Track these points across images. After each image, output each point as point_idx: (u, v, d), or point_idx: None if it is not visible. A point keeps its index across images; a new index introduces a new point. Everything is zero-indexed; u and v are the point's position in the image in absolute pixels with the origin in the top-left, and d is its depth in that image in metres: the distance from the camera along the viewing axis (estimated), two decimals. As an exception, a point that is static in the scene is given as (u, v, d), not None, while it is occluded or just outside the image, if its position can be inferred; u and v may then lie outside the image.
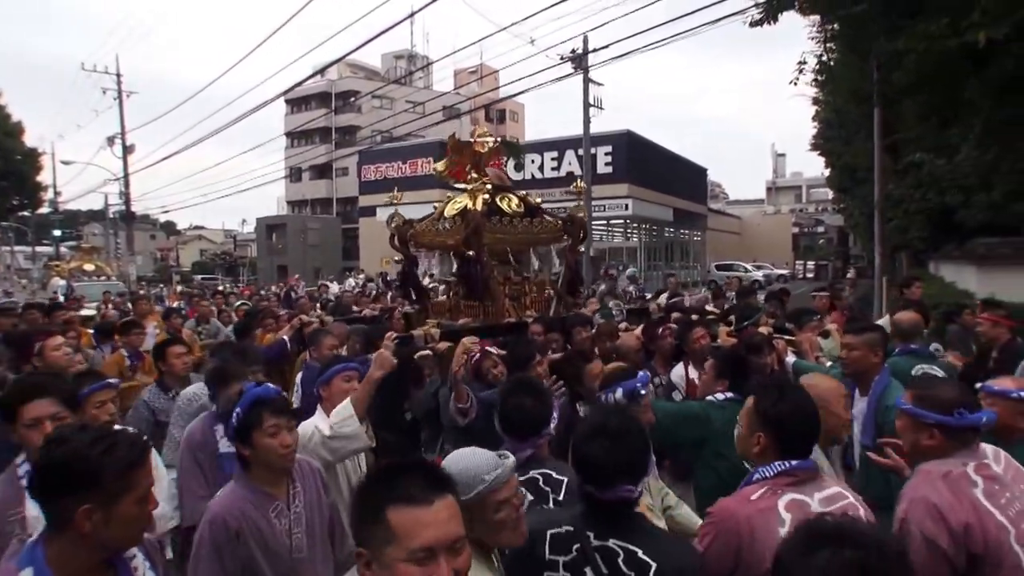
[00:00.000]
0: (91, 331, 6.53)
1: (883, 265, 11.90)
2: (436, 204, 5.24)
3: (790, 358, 3.62)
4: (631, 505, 1.57)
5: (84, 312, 9.24)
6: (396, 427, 3.53)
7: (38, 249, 40.25)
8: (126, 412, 3.85)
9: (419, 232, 4.95)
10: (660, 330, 4.12)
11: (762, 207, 56.25)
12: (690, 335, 3.82)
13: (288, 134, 41.95)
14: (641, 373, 2.53)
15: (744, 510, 1.60)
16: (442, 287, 5.45)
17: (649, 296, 9.92)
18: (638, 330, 4.31)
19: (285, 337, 4.95)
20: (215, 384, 2.78)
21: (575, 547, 1.52)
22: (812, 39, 9.61)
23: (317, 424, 2.40)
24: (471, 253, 4.51)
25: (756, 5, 7.60)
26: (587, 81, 16.73)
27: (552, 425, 2.06)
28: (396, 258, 5.15)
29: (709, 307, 6.35)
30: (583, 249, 5.53)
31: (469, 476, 1.41)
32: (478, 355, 3.30)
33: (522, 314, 4.77)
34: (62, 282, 17.09)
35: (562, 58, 15.66)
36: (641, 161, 26.13)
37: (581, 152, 19.69)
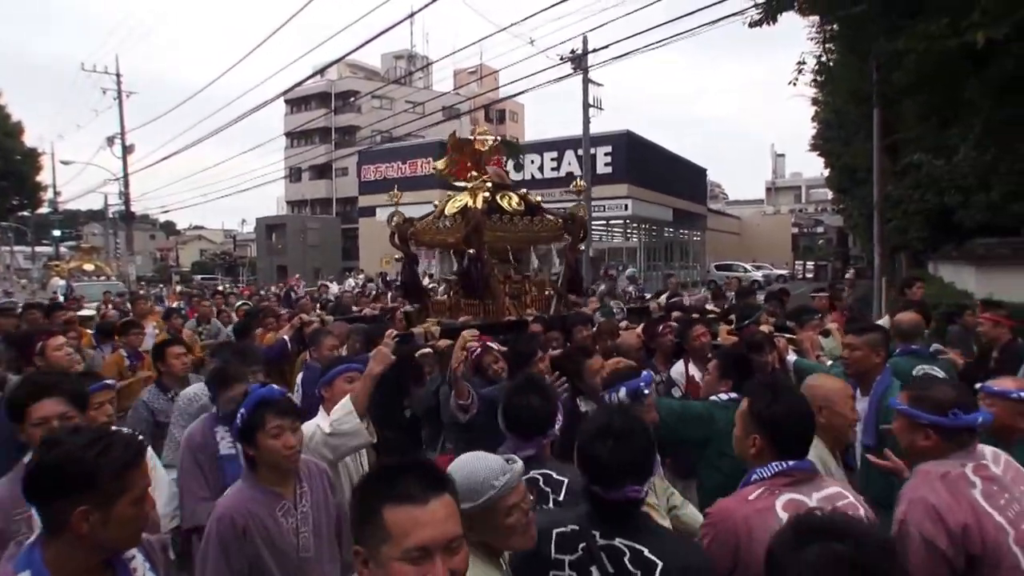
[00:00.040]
0: (91, 331, 6.54)
1: (882, 266, 11.91)
2: (436, 203, 5.24)
3: (791, 356, 3.62)
4: (637, 505, 1.57)
5: (83, 312, 9.25)
6: (396, 424, 3.54)
7: (38, 249, 40.22)
8: (125, 412, 3.85)
9: (419, 230, 4.95)
10: (661, 328, 4.12)
11: (762, 207, 56.26)
12: (690, 333, 3.83)
13: (288, 134, 41.94)
14: (645, 372, 2.53)
15: (742, 510, 1.61)
16: (441, 287, 5.44)
17: (648, 296, 9.93)
18: (639, 328, 4.32)
19: (285, 337, 4.95)
20: (216, 386, 2.78)
21: (581, 546, 1.52)
22: (811, 39, 9.65)
23: (319, 424, 2.41)
24: (471, 251, 4.52)
25: (755, 6, 7.60)
26: (587, 81, 16.74)
27: (557, 426, 2.06)
28: (397, 256, 5.15)
29: (709, 307, 6.35)
30: (583, 248, 5.53)
31: (477, 482, 1.40)
32: (479, 350, 3.31)
33: (522, 313, 4.78)
34: (62, 282, 17.09)
35: (562, 58, 15.67)
36: (641, 161, 26.14)
37: (581, 152, 19.69)
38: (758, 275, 27.85)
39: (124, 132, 24.97)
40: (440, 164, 5.13)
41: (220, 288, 17.00)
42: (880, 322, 4.42)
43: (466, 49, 76.50)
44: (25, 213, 34.98)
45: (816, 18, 8.89)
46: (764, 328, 4.01)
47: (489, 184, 4.76)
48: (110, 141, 24.81)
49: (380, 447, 2.70)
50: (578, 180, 5.53)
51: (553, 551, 1.54)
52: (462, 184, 4.92)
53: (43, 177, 30.14)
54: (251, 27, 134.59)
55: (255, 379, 2.93)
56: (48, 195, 33.36)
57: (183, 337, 5.14)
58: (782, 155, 64.83)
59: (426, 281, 5.50)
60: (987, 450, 1.80)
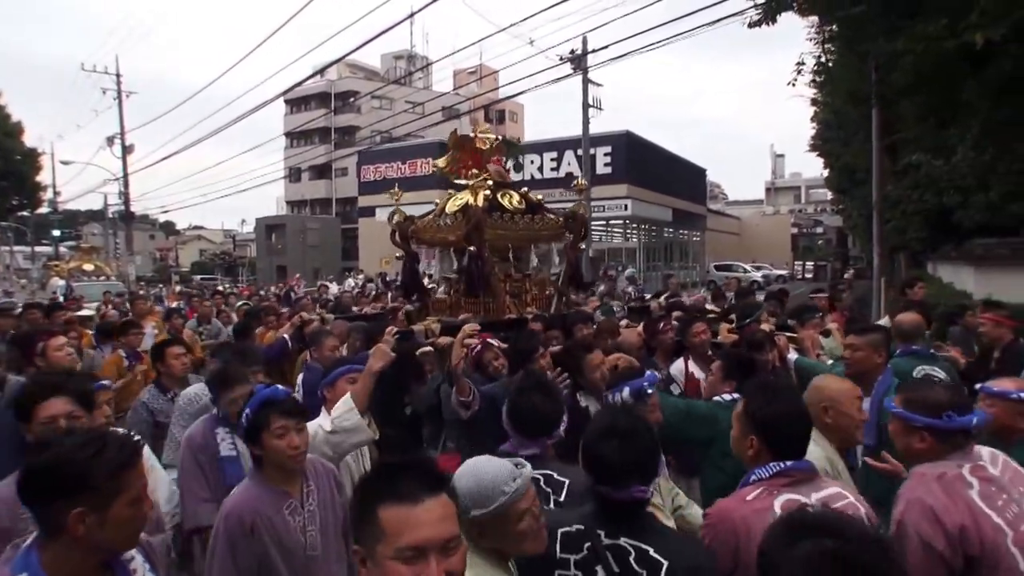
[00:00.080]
0: (91, 331, 6.55)
1: (881, 266, 11.91)
2: (437, 202, 5.25)
3: (792, 355, 3.61)
4: (642, 504, 1.58)
5: (82, 312, 9.25)
6: (397, 422, 3.54)
7: (37, 249, 40.17)
8: (125, 413, 3.86)
9: (420, 228, 4.97)
10: (661, 325, 4.13)
11: (761, 208, 56.30)
12: (690, 330, 3.84)
13: (287, 134, 41.94)
14: (648, 372, 2.53)
15: (740, 510, 1.61)
16: (441, 288, 5.45)
17: (648, 296, 9.94)
18: (639, 327, 4.33)
19: (286, 335, 4.96)
20: (216, 387, 2.78)
21: (586, 545, 1.53)
22: (810, 40, 9.66)
23: (320, 423, 2.42)
24: (472, 249, 4.53)
25: (755, 6, 7.61)
26: (586, 82, 16.76)
27: (562, 428, 2.06)
28: (397, 255, 5.15)
29: (709, 307, 6.37)
30: (584, 247, 5.55)
31: (487, 488, 1.39)
32: (479, 347, 3.31)
33: (522, 311, 4.79)
34: (61, 282, 17.09)
35: (561, 59, 15.68)
36: (640, 162, 26.16)
37: (580, 152, 19.71)
38: (758, 275, 27.86)
39: (124, 132, 24.98)
40: (441, 162, 5.14)
41: (220, 288, 17.01)
42: (880, 323, 4.43)
43: (466, 49, 76.57)
44: (25, 213, 34.94)
45: (815, 19, 8.90)
46: (765, 327, 4.02)
47: (490, 182, 4.78)
48: (110, 141, 24.81)
49: (381, 445, 2.70)
50: (579, 179, 5.54)
51: (558, 550, 1.54)
52: (463, 182, 4.93)
53: (43, 177, 30.17)
54: (251, 27, 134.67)
55: (255, 379, 2.94)
56: (48, 195, 33.39)
57: (183, 337, 5.16)
58: (781, 155, 64.96)
59: (425, 281, 5.51)
60: (984, 451, 1.80)
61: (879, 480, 2.30)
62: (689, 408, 2.75)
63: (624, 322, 4.89)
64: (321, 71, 30.39)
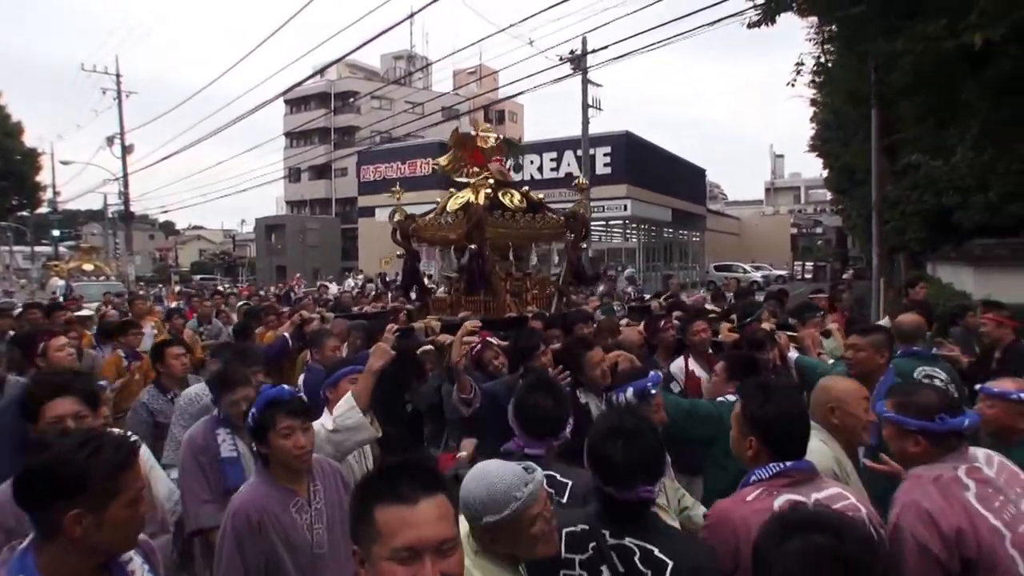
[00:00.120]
0: (90, 331, 6.55)
1: (881, 266, 11.91)
2: (438, 201, 5.26)
3: (792, 354, 3.60)
4: (647, 505, 1.58)
5: (81, 312, 9.24)
6: (397, 419, 3.55)
7: (37, 249, 40.16)
8: (124, 413, 3.86)
9: (421, 226, 4.98)
10: (662, 323, 4.14)
11: (761, 208, 56.33)
12: (690, 328, 3.84)
13: (287, 134, 41.95)
14: (652, 373, 2.53)
15: (739, 511, 1.61)
16: (441, 288, 5.46)
17: (648, 297, 9.95)
18: (640, 325, 4.33)
19: (286, 334, 4.97)
20: (218, 388, 2.78)
21: (591, 545, 1.53)
22: (810, 40, 9.65)
23: (322, 422, 2.43)
24: (473, 247, 4.53)
25: (754, 7, 7.62)
26: (586, 82, 16.77)
27: (568, 429, 2.07)
28: (399, 253, 5.16)
29: (709, 307, 6.37)
30: (584, 247, 5.56)
31: (499, 494, 1.39)
32: (479, 346, 3.32)
33: (523, 310, 4.80)
34: (61, 282, 17.08)
35: (561, 59, 15.68)
36: (640, 162, 26.17)
37: (580, 153, 19.72)
38: (757, 276, 27.88)
39: (124, 132, 24.99)
40: (443, 160, 5.14)
41: (220, 288, 17.01)
42: (879, 323, 4.43)
43: (466, 49, 76.93)
44: (24, 213, 34.94)
45: (814, 19, 8.90)
46: (765, 326, 4.01)
47: (492, 181, 4.78)
48: (110, 141, 24.82)
49: (383, 443, 2.71)
50: (580, 178, 5.55)
51: (563, 551, 1.54)
52: (464, 180, 4.93)
53: (43, 177, 30.19)
54: (251, 27, 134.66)
55: (255, 380, 2.94)
56: (47, 195, 33.40)
57: (184, 338, 5.16)
58: (781, 156, 64.99)
59: (425, 280, 5.52)
60: (980, 452, 1.80)
61: (881, 479, 2.31)
62: (693, 407, 2.75)
63: (624, 321, 4.89)
64: (321, 71, 30.41)
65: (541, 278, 5.25)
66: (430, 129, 27.77)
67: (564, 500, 1.91)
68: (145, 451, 2.39)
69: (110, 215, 31.40)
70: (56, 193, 35.47)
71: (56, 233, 38.38)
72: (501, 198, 4.76)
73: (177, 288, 23.34)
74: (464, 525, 1.52)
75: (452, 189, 5.03)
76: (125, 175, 25.22)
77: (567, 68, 15.88)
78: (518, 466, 1.47)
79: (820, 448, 2.09)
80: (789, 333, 3.96)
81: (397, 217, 5.02)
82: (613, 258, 28.24)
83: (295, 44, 16.38)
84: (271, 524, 1.93)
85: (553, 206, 5.60)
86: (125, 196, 25.48)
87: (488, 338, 3.41)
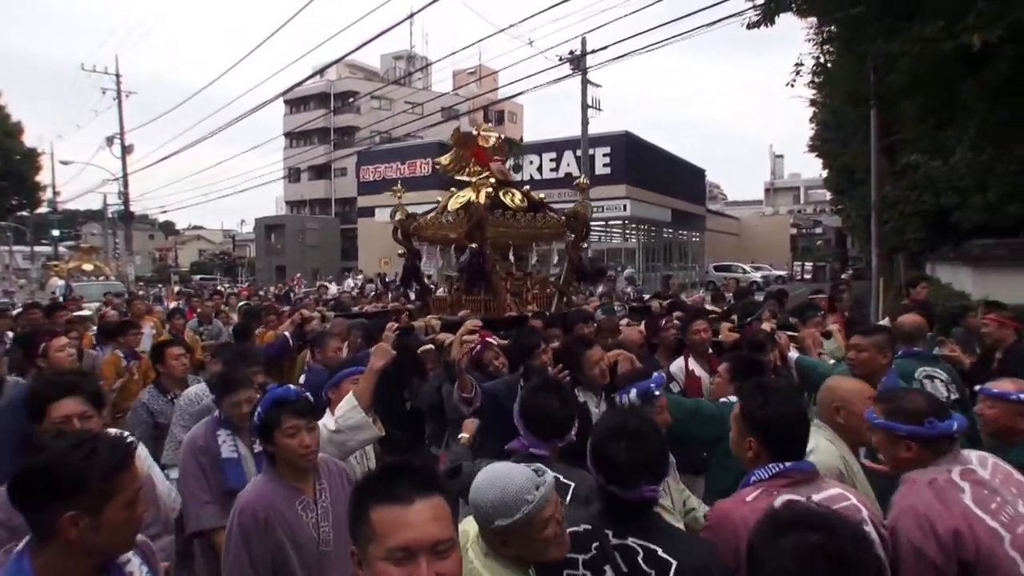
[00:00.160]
0: (91, 331, 6.56)
1: (880, 267, 11.93)
2: (438, 201, 5.27)
3: (793, 353, 3.59)
4: (651, 504, 1.59)
5: (80, 312, 9.24)
6: (397, 418, 3.56)
7: (36, 249, 40.12)
8: (124, 414, 3.87)
9: (422, 225, 4.99)
10: (663, 323, 4.14)
11: (760, 208, 56.34)
12: (690, 328, 3.84)
13: (287, 134, 41.93)
14: (656, 374, 2.53)
15: (739, 511, 1.61)
16: (441, 288, 5.47)
17: (647, 297, 9.96)
18: (641, 325, 4.34)
19: (287, 333, 4.98)
20: (219, 390, 2.78)
21: (594, 545, 1.53)
22: (809, 41, 9.66)
23: (325, 423, 2.43)
24: (473, 246, 4.54)
25: (753, 7, 7.64)
26: (585, 82, 16.77)
27: (573, 431, 2.07)
28: (400, 252, 5.17)
29: (709, 307, 6.38)
30: (585, 247, 5.57)
31: (511, 497, 1.38)
32: (479, 347, 3.32)
33: (523, 309, 4.81)
34: (61, 282, 17.09)
35: (560, 59, 15.69)
36: (639, 162, 26.19)
37: (579, 153, 19.73)
38: (757, 276, 27.89)
39: (123, 132, 24.98)
40: (445, 159, 5.15)
41: (219, 288, 17.02)
42: (880, 324, 4.43)
43: (465, 50, 76.92)
44: (24, 213, 34.89)
45: (814, 20, 8.92)
46: (765, 326, 4.00)
47: (493, 180, 4.79)
48: (109, 141, 24.81)
49: (384, 442, 2.72)
50: (581, 178, 5.56)
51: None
52: (465, 179, 4.94)
53: (42, 177, 30.14)
54: (251, 27, 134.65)
55: (256, 380, 2.95)
56: (47, 195, 33.34)
57: (185, 338, 5.17)
58: (781, 156, 64.99)
59: (425, 280, 5.53)
60: (973, 454, 1.80)
61: (878, 479, 2.32)
62: (696, 408, 2.75)
63: (625, 321, 4.91)
64: (321, 71, 30.41)
65: (541, 278, 5.27)
66: (430, 129, 27.78)
67: (567, 502, 1.91)
68: (143, 450, 2.38)
69: (110, 215, 31.37)
70: (56, 193, 35.49)
71: (56, 233, 38.35)
72: (502, 197, 4.77)
73: (177, 288, 23.34)
74: (473, 527, 1.53)
75: (453, 188, 5.04)
76: (125, 175, 25.22)
77: (567, 68, 15.89)
78: (528, 469, 1.46)
79: (827, 447, 2.11)
80: (789, 333, 3.95)
81: (398, 216, 5.03)
82: (612, 258, 28.25)
83: (295, 44, 16.41)
84: (277, 521, 1.94)
85: (553, 206, 5.61)
86: (125, 196, 25.49)
87: (488, 338, 3.41)
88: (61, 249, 35.12)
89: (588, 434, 1.86)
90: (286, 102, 41.57)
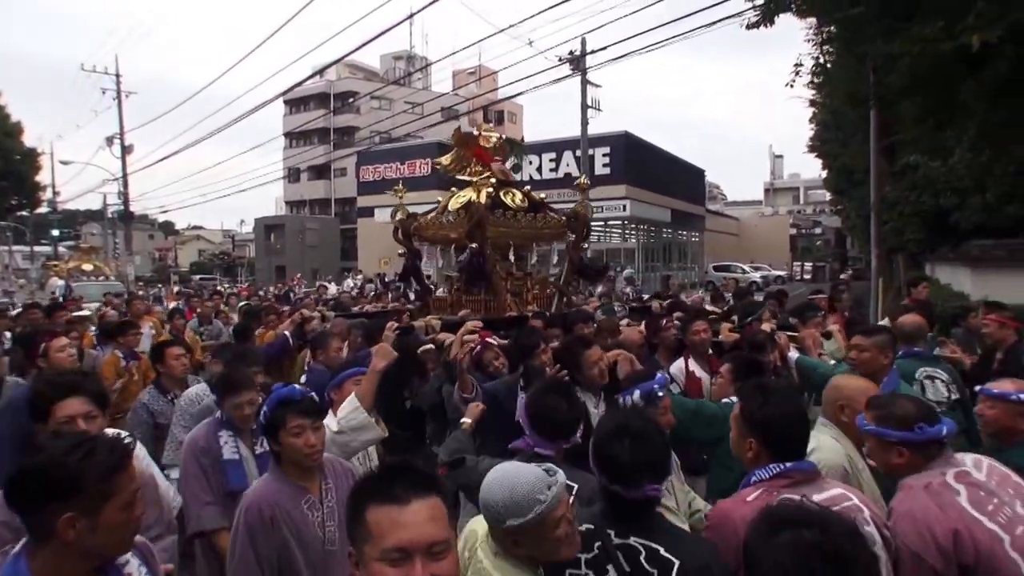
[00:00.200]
0: (92, 331, 6.56)
1: (879, 267, 11.94)
2: (438, 201, 5.27)
3: (793, 354, 3.59)
4: (653, 503, 1.59)
5: (80, 313, 9.24)
6: (398, 418, 3.56)
7: (36, 249, 40.12)
8: (124, 414, 3.87)
9: (423, 225, 4.99)
10: (664, 322, 4.14)
11: (760, 208, 56.36)
12: (690, 328, 3.84)
13: (287, 135, 41.93)
14: (660, 375, 2.53)
15: (739, 511, 1.61)
16: (441, 289, 5.47)
17: (647, 297, 9.97)
18: (641, 325, 4.34)
19: (287, 332, 4.98)
20: (222, 391, 2.78)
21: (596, 545, 1.53)
22: (808, 41, 9.68)
23: (327, 424, 2.44)
24: (474, 246, 4.54)
25: (753, 8, 7.65)
26: (585, 82, 16.78)
27: (579, 434, 2.08)
28: (400, 251, 5.17)
29: (709, 308, 6.39)
30: (585, 247, 5.57)
31: (523, 498, 1.38)
32: (479, 347, 3.33)
33: (523, 309, 4.82)
34: (60, 282, 17.08)
35: (560, 60, 15.70)
36: (639, 162, 26.19)
37: (579, 153, 19.74)
38: (756, 276, 27.90)
39: (123, 132, 24.99)
40: (446, 159, 5.15)
41: (219, 288, 17.01)
42: (880, 324, 4.43)
43: (465, 50, 77.05)
44: (24, 213, 34.89)
45: (813, 20, 8.93)
46: (766, 326, 4.00)
47: (493, 180, 4.79)
48: (109, 141, 24.82)
49: (385, 442, 2.72)
50: (582, 178, 5.56)
51: None
52: (466, 179, 4.94)
53: (42, 177, 30.16)
54: (251, 27, 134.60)
55: (256, 380, 2.95)
56: (47, 195, 33.34)
57: (185, 339, 5.16)
58: (780, 156, 65.06)
59: (425, 281, 5.53)
60: (967, 457, 1.80)
61: (885, 478, 2.32)
62: (698, 408, 2.75)
63: (625, 321, 4.91)
64: (320, 71, 30.40)
65: (541, 278, 5.27)
66: (429, 129, 27.79)
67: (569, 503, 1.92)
68: (141, 450, 2.38)
69: (109, 215, 31.38)
70: (56, 193, 35.48)
71: (55, 233, 38.34)
72: (503, 197, 4.77)
73: (176, 288, 23.34)
74: (481, 526, 1.53)
75: (454, 188, 5.04)
76: (125, 175, 25.23)
77: (566, 69, 15.90)
78: (539, 468, 1.46)
79: (832, 445, 2.12)
80: (789, 333, 3.95)
81: (399, 216, 5.04)
82: (612, 258, 28.19)
83: (295, 44, 16.43)
84: (283, 520, 1.95)
85: (552, 206, 5.62)
86: (124, 196, 25.49)
87: (488, 338, 3.41)
88: (61, 249, 35.11)
89: (588, 435, 1.86)
90: (286, 102, 41.56)
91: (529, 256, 5.23)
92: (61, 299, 12.04)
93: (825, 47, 9.11)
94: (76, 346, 4.82)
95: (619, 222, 27.65)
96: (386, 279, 19.32)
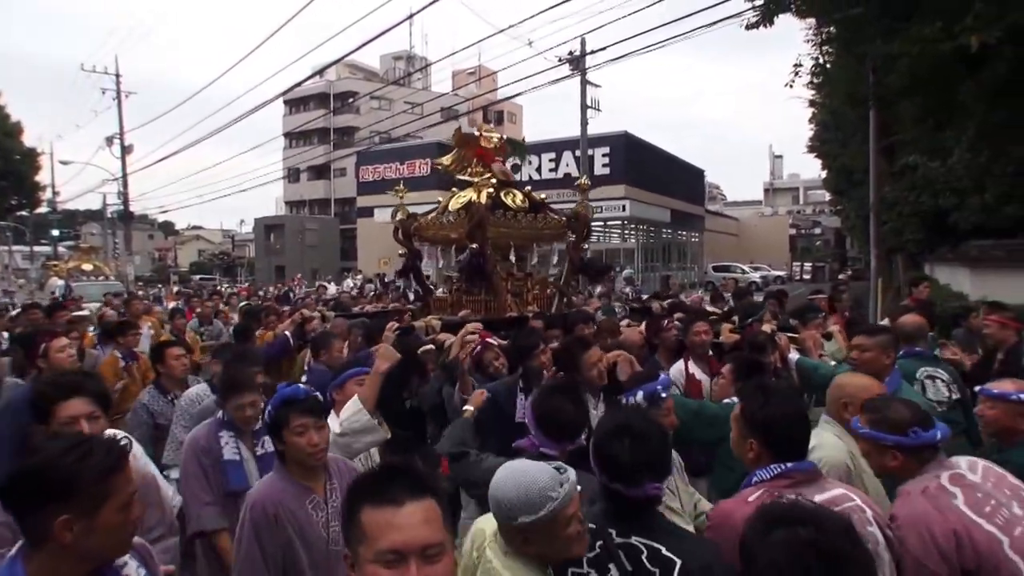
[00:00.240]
0: (91, 330, 6.56)
1: (878, 267, 11.96)
2: (439, 201, 5.28)
3: (793, 355, 3.58)
4: (655, 502, 1.59)
5: (79, 312, 9.22)
6: (397, 417, 3.56)
7: (36, 249, 40.08)
8: (123, 415, 3.86)
9: (423, 225, 4.99)
10: (664, 323, 4.14)
11: (759, 208, 56.36)
12: (691, 329, 3.83)
13: (286, 135, 41.92)
14: (663, 376, 2.52)
15: (741, 511, 1.59)
16: (440, 289, 5.48)
17: (646, 297, 9.98)
18: (641, 326, 4.34)
19: (287, 332, 4.99)
20: (224, 392, 2.77)
21: (598, 544, 1.53)
22: (808, 42, 9.70)
23: (330, 426, 2.44)
24: (474, 246, 4.54)
25: (753, 8, 7.66)
26: (584, 83, 16.79)
27: (584, 436, 2.08)
28: (400, 252, 5.17)
29: (709, 308, 6.39)
30: (586, 247, 5.58)
31: (535, 494, 1.38)
32: (479, 347, 3.33)
33: (523, 310, 4.82)
34: (60, 282, 17.07)
35: (560, 60, 15.71)
36: (639, 162, 26.20)
37: (579, 153, 19.75)
38: (756, 276, 27.92)
39: (123, 132, 24.98)
40: (447, 160, 5.15)
41: (219, 289, 17.02)
42: (881, 324, 4.43)
43: (465, 50, 76.97)
44: (24, 213, 34.91)
45: (813, 20, 8.94)
46: (766, 327, 3.99)
47: (494, 181, 4.79)
48: (109, 141, 24.82)
49: (387, 442, 2.72)
50: (583, 179, 5.56)
51: None
52: (467, 179, 4.94)
53: (42, 177, 30.20)
54: (251, 28, 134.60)
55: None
56: (47, 195, 33.37)
57: (186, 339, 5.16)
58: (780, 156, 65.03)
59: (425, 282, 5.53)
60: (962, 460, 1.80)
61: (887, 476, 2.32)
62: (700, 409, 2.75)
63: (625, 322, 4.91)
64: (320, 72, 30.40)
65: (542, 278, 5.28)
66: (429, 130, 27.79)
67: None
68: (138, 450, 2.37)
69: (109, 215, 31.37)
70: (55, 193, 35.47)
71: (55, 233, 38.32)
72: (503, 198, 4.77)
73: (176, 288, 23.34)
74: (489, 525, 1.53)
75: (454, 188, 5.04)
76: (124, 175, 25.22)
77: (566, 69, 15.91)
78: (547, 466, 1.46)
79: (834, 443, 2.12)
80: (790, 335, 3.95)
81: (399, 216, 5.04)
82: (611, 258, 28.21)
83: (295, 44, 16.43)
84: (287, 518, 1.96)
85: (552, 206, 5.62)
86: (124, 196, 25.49)
87: (488, 339, 3.41)
88: (60, 249, 35.08)
89: (588, 435, 1.87)
90: (286, 102, 41.55)
91: (529, 256, 5.23)
92: (61, 299, 12.03)
93: (825, 47, 9.13)
94: (76, 346, 4.82)
95: (618, 222, 27.64)
96: (386, 279, 19.32)
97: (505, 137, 5.32)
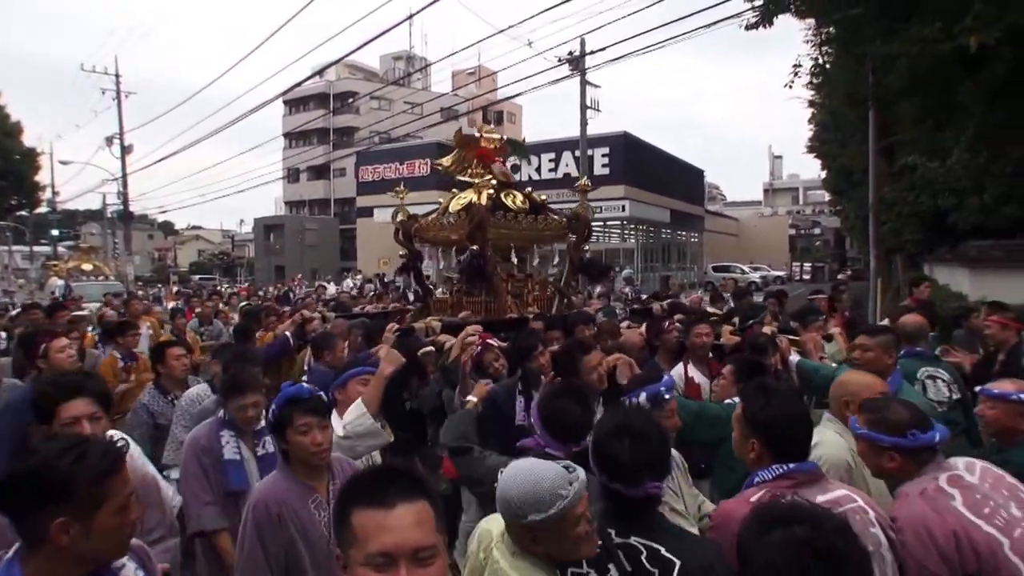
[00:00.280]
0: (91, 330, 6.56)
1: (878, 267, 11.97)
2: (439, 202, 5.27)
3: (794, 357, 3.58)
4: (655, 502, 1.59)
5: (79, 312, 9.21)
6: (397, 418, 3.56)
7: (36, 249, 40.06)
8: (124, 415, 3.86)
9: (424, 226, 4.98)
10: (665, 324, 4.14)
11: (759, 209, 56.37)
12: (692, 331, 3.82)
13: (286, 135, 41.92)
14: (666, 377, 2.52)
15: (742, 511, 1.58)
16: (440, 289, 5.47)
17: (645, 297, 9.98)
18: (642, 328, 4.34)
19: (287, 333, 4.99)
20: (226, 392, 2.77)
21: (598, 544, 1.52)
22: (808, 42, 9.72)
23: (333, 428, 2.44)
24: (475, 247, 4.54)
25: (752, 8, 7.67)
26: (584, 83, 16.79)
27: (589, 438, 2.06)
28: (401, 253, 5.17)
29: (709, 309, 6.39)
30: (586, 248, 5.57)
31: (545, 493, 1.37)
32: (479, 348, 3.33)
33: (524, 311, 4.81)
34: (60, 282, 17.07)
35: (560, 60, 15.71)
36: (638, 163, 26.20)
37: (578, 153, 19.75)
38: (755, 276, 27.93)
39: (123, 132, 24.98)
40: (447, 160, 5.15)
41: (219, 289, 17.02)
42: (881, 324, 4.43)
43: (465, 50, 76.88)
44: (23, 213, 34.91)
45: (812, 21, 8.96)
46: (767, 329, 3.98)
47: (494, 181, 4.79)
48: (109, 141, 24.81)
49: (389, 444, 2.73)
50: (583, 179, 5.56)
51: None
52: (467, 180, 4.94)
53: (42, 177, 30.22)
54: (250, 28, 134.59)
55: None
56: (47, 195, 33.40)
57: (187, 339, 5.16)
58: (779, 157, 65.03)
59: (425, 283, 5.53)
60: (960, 461, 1.80)
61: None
62: (701, 410, 2.75)
63: (626, 323, 4.91)
64: (320, 72, 30.40)
65: (542, 279, 5.27)
66: (429, 130, 27.79)
67: None
68: (137, 451, 2.36)
69: (109, 215, 31.36)
70: (55, 193, 35.48)
71: (55, 233, 38.31)
72: (504, 199, 4.77)
73: (175, 288, 23.33)
74: (496, 526, 1.53)
75: (454, 189, 5.04)
76: (124, 175, 25.22)
77: (566, 69, 15.90)
78: (556, 465, 1.45)
79: (836, 440, 2.13)
80: (790, 337, 3.94)
81: (400, 217, 5.04)
82: (611, 259, 28.20)
83: (295, 44, 16.43)
84: (290, 517, 1.96)
85: (552, 207, 5.61)
86: (124, 196, 25.48)
87: (488, 340, 3.42)
88: (60, 249, 35.06)
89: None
90: (285, 102, 41.55)
91: (530, 258, 5.22)
92: (61, 299, 12.03)
93: (824, 48, 9.14)
94: (77, 346, 4.82)
95: (618, 222, 27.63)
96: (385, 279, 19.32)
97: (505, 137, 5.31)
